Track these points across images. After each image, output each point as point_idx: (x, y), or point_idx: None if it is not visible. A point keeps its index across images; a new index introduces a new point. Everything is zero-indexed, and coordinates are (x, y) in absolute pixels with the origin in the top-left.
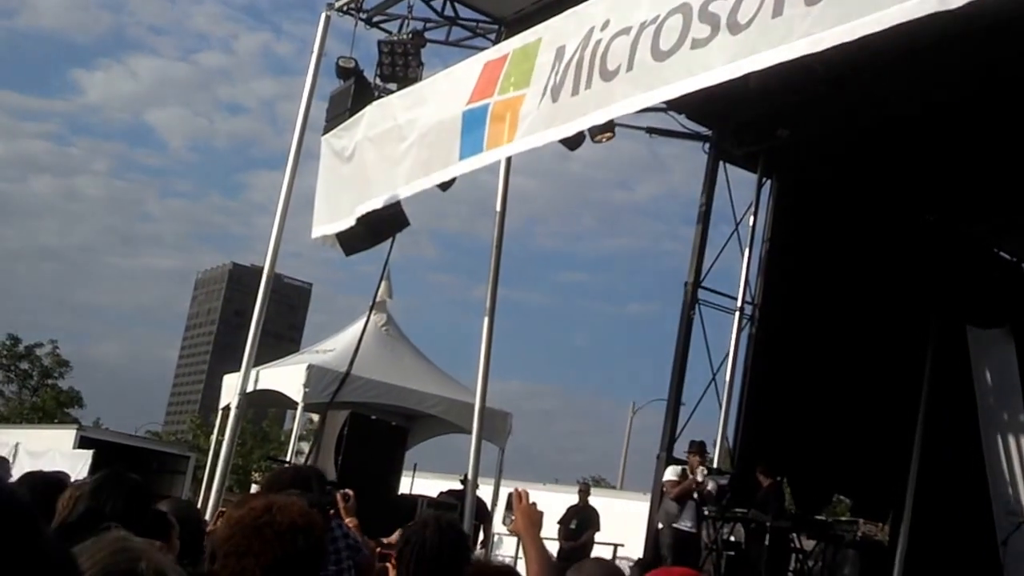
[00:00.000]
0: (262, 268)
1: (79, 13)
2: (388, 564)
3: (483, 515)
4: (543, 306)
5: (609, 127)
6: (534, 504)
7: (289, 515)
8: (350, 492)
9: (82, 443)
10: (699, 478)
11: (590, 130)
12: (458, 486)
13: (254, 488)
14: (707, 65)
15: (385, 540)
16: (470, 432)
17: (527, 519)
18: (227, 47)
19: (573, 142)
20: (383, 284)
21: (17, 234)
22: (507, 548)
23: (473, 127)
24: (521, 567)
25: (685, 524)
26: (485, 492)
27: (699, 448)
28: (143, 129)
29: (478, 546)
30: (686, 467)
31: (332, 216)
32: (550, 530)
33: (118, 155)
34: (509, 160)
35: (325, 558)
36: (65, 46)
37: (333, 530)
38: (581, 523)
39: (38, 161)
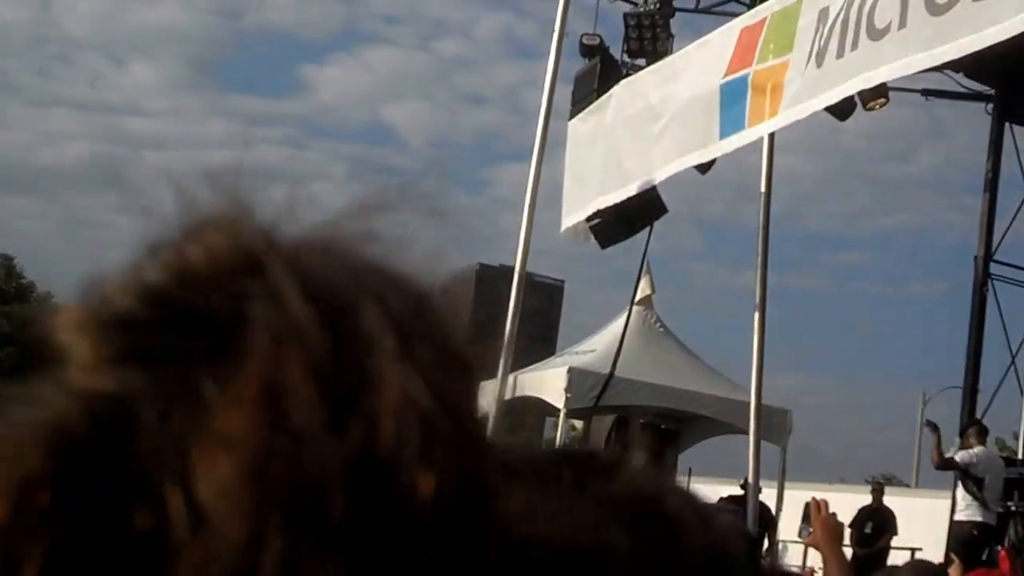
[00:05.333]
0: (511, 268)
1: (309, 8)
2: None
3: (767, 522)
4: (819, 292)
5: (882, 92)
6: (834, 514)
7: None
8: None
9: None
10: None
11: (861, 97)
12: (738, 491)
13: None
14: (994, 18)
15: None
16: (747, 432)
17: (828, 531)
18: (466, 32)
19: (843, 111)
20: (643, 277)
21: None
22: (794, 557)
23: (733, 101)
24: None
25: (966, 513)
26: (768, 496)
27: (969, 424)
28: (381, 127)
29: (763, 555)
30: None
31: (583, 206)
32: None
33: (356, 157)
34: (772, 137)
35: None
36: (294, 43)
37: None
38: (876, 526)
39: (274, 169)
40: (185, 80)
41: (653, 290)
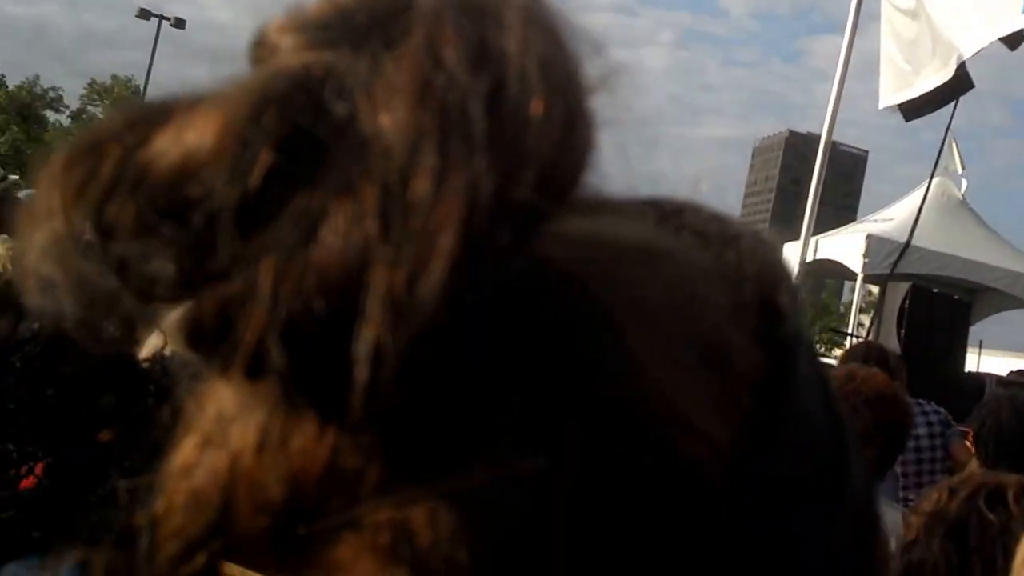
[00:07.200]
0: (818, 136)
1: None
2: (966, 442)
3: None
4: None
5: None
6: None
7: (874, 385)
8: None
9: None
10: None
11: None
12: None
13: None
14: None
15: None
16: None
17: None
18: None
19: None
20: (947, 151)
21: None
22: None
23: None
24: None
25: None
26: None
27: None
28: None
29: None
30: None
31: (897, 81)
32: None
33: (682, 25)
34: None
35: (908, 432)
36: None
37: (922, 404)
38: None
39: (607, 33)
40: None
41: (957, 164)
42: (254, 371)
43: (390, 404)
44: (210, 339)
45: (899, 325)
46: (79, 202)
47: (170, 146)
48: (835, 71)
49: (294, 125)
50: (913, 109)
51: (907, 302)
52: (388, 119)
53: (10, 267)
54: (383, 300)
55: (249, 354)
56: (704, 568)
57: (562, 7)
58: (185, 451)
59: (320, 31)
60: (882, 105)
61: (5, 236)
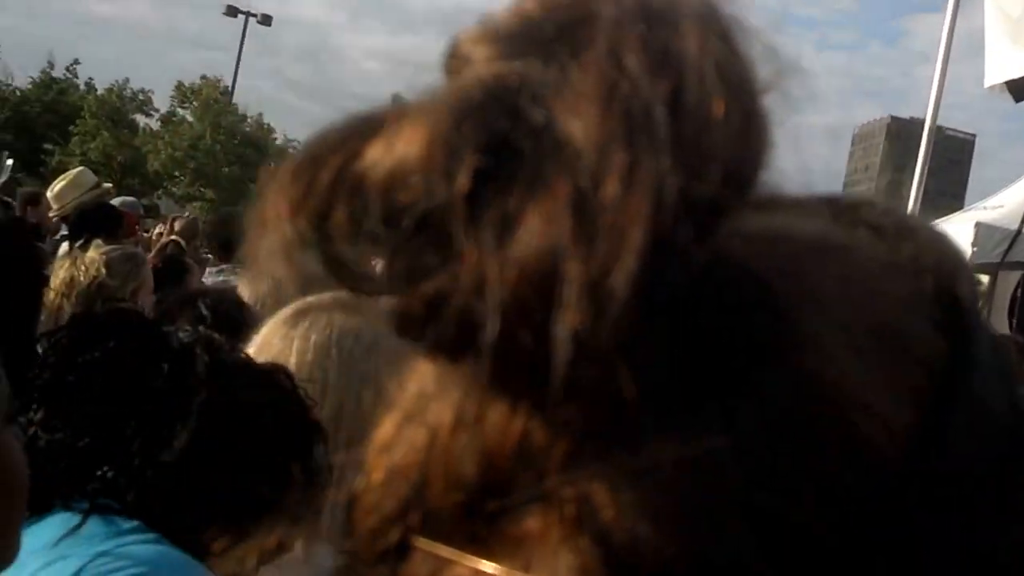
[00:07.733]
0: (921, 121)
1: None
2: None
3: None
4: None
5: None
6: None
7: None
8: None
9: None
10: None
11: None
12: None
13: None
14: None
15: None
16: None
17: None
18: None
19: None
20: None
21: None
22: None
23: None
24: None
25: None
26: None
27: None
28: None
29: None
30: None
31: (1004, 59)
32: None
33: (769, 7)
34: None
35: None
36: None
37: None
38: None
39: None
40: None
41: None
42: (457, 353)
43: (584, 384)
44: (418, 326)
45: (1011, 315)
46: (302, 210)
47: (382, 156)
48: (936, 52)
49: (493, 132)
50: (1021, 89)
51: (1019, 291)
52: (578, 124)
53: (104, 271)
54: (579, 290)
55: (464, 340)
56: (870, 552)
57: (735, 12)
58: (386, 428)
59: (510, 42)
60: (987, 84)
61: (99, 241)
